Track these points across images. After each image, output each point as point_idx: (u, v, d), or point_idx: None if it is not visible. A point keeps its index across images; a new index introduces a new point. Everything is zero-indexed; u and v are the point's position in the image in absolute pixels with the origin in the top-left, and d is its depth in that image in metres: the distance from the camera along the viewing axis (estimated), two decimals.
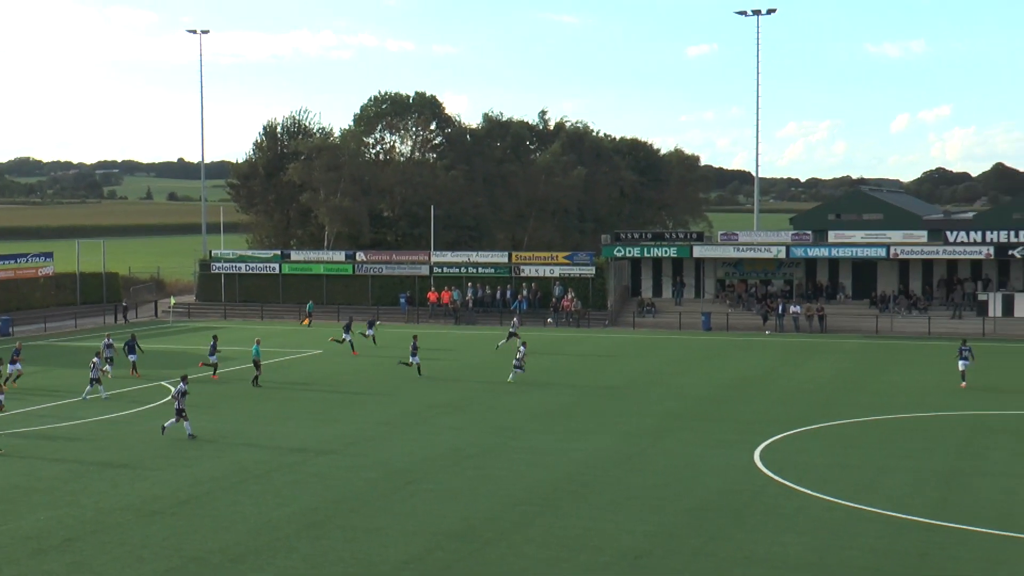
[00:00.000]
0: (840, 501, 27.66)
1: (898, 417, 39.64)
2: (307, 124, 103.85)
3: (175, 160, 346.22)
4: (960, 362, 47.18)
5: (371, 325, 61.46)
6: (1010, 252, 69.17)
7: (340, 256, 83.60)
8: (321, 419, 40.06)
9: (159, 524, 25.84)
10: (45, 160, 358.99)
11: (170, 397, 39.76)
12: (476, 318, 75.70)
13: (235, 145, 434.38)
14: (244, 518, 26.34)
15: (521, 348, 49.66)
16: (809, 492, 28.63)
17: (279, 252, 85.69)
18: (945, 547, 23.98)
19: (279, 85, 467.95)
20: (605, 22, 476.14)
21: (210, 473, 31.11)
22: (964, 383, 46.32)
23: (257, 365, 48.69)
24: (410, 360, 49.82)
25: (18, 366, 47.96)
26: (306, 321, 58.54)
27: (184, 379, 36.61)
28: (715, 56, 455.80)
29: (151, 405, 42.55)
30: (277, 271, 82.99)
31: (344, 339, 57.93)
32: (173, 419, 35.88)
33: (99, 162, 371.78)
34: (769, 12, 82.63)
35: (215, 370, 50.00)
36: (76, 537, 24.89)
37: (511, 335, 59.69)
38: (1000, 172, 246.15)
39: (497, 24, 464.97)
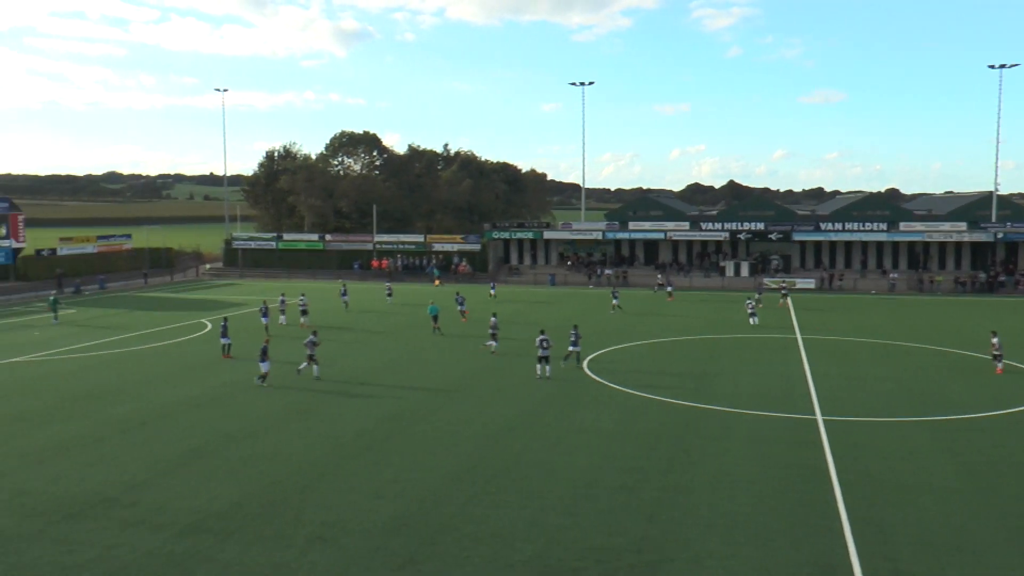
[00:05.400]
0: (635, 392, 28.47)
1: (670, 340, 40.49)
2: (293, 152, 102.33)
3: (208, 174, 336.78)
4: (749, 310, 46.03)
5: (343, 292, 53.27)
6: (738, 235, 71.08)
7: (315, 237, 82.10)
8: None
9: (199, 412, 25.68)
10: (125, 172, 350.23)
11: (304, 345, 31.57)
12: (403, 277, 75.09)
13: (247, 163, 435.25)
14: (251, 411, 26.29)
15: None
16: (616, 386, 29.38)
17: (276, 235, 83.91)
18: (700, 419, 24.89)
19: (277, 126, 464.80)
20: (490, 88, 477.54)
21: (232, 377, 30.81)
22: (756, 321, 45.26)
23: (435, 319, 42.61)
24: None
25: (266, 319, 42.49)
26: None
27: (315, 332, 32.18)
28: (560, 111, 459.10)
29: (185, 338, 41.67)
30: (274, 247, 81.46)
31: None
32: (305, 363, 30.89)
33: (160, 175, 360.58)
34: (590, 83, 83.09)
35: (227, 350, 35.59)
36: (148, 421, 24.63)
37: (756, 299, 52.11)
38: (732, 186, 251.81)
39: (417, 87, 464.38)
